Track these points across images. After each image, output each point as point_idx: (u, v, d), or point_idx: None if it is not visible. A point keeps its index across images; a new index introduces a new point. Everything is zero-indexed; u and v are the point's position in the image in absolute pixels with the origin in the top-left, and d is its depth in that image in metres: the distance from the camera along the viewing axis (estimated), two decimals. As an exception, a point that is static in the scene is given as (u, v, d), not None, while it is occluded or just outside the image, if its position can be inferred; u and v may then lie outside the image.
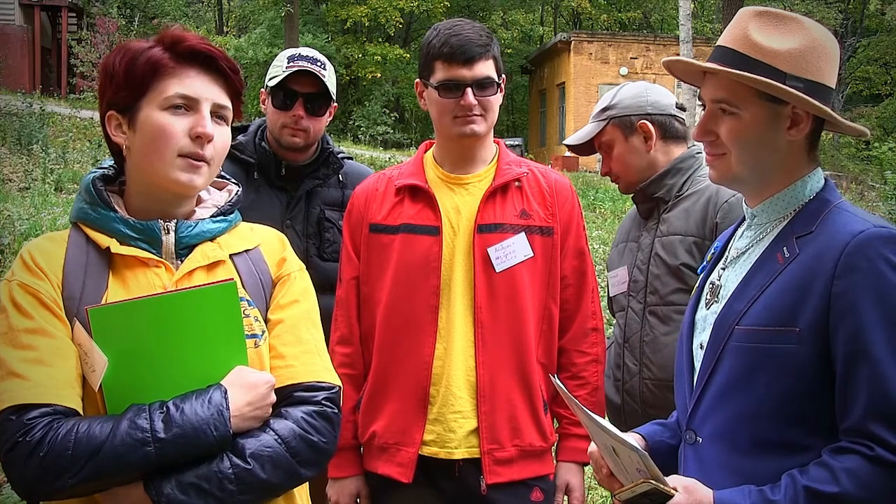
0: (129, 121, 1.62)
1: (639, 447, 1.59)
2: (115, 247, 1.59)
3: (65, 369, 1.48)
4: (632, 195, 2.79)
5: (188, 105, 1.60)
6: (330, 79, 2.82)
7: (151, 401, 1.49)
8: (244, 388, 1.54)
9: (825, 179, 1.71)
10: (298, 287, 1.76)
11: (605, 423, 1.68)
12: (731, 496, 1.54)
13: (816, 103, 1.60)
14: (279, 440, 1.54)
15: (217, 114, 1.64)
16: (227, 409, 1.50)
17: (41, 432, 1.41)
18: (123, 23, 22.94)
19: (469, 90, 2.27)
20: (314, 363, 1.69)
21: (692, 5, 16.85)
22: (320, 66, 2.79)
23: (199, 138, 1.59)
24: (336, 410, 1.65)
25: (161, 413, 1.46)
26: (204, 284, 1.59)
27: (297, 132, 2.79)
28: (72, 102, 19.46)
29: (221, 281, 1.60)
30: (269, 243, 1.78)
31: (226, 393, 1.52)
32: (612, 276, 2.80)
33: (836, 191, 1.70)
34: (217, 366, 1.56)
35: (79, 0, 25.41)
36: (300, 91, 2.77)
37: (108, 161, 1.74)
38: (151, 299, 1.53)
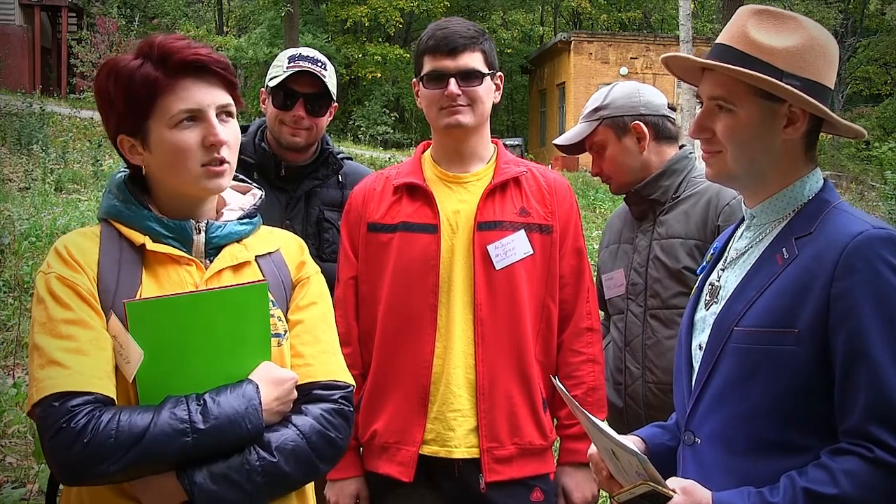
0: (142, 142, 1.66)
1: (637, 450, 1.60)
2: (149, 244, 1.64)
3: (102, 360, 1.53)
4: (624, 196, 2.77)
5: (194, 116, 1.64)
6: (330, 79, 2.82)
7: (183, 393, 1.54)
8: (272, 384, 1.61)
9: (824, 180, 1.71)
10: (316, 290, 1.82)
11: (604, 426, 1.69)
12: (730, 497, 1.54)
13: (813, 101, 1.60)
14: (301, 435, 1.61)
15: (222, 112, 1.68)
16: (260, 403, 1.57)
17: (84, 419, 1.45)
18: (123, 23, 22.91)
19: (452, 80, 2.28)
20: (331, 363, 1.76)
21: (692, 5, 16.84)
22: (321, 67, 2.79)
23: (214, 146, 1.64)
24: (351, 408, 1.73)
25: (198, 405, 1.52)
26: (238, 284, 1.66)
27: (298, 132, 2.79)
28: (72, 102, 19.47)
29: (254, 281, 1.67)
30: (289, 247, 1.85)
31: (257, 388, 1.58)
32: (606, 278, 2.77)
33: (835, 191, 1.70)
34: (244, 362, 1.63)
35: (79, 0, 25.39)
36: (301, 91, 2.77)
37: None
38: (187, 296, 1.59)
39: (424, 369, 2.29)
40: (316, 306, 1.80)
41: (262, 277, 1.72)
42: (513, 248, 2.31)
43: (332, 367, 1.75)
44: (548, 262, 2.36)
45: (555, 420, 2.44)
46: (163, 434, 1.47)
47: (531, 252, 2.33)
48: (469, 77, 2.30)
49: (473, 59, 2.31)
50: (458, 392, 2.29)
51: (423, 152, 2.50)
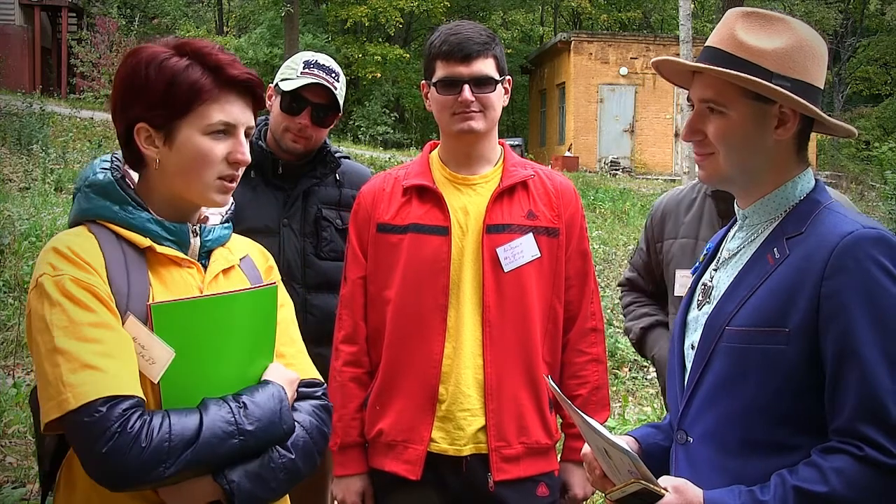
0: (164, 137, 1.64)
1: (629, 449, 1.60)
2: (157, 247, 1.64)
3: (132, 362, 1.52)
4: (714, 189, 2.61)
5: (227, 130, 1.65)
6: (341, 90, 2.82)
7: (201, 395, 1.56)
8: (286, 384, 1.66)
9: (816, 180, 1.72)
10: (283, 293, 1.86)
11: (597, 425, 1.70)
12: (721, 496, 1.54)
13: (803, 101, 1.61)
14: (306, 431, 1.65)
15: (246, 134, 1.70)
16: (287, 403, 1.62)
17: (139, 423, 1.45)
18: (123, 23, 22.92)
19: (466, 87, 2.29)
20: (307, 362, 1.83)
21: (692, 5, 16.84)
22: (334, 78, 2.78)
23: (237, 163, 1.67)
24: (331, 404, 1.80)
25: (239, 407, 1.55)
26: (254, 287, 1.70)
27: (300, 139, 2.78)
28: (72, 102, 19.50)
29: (266, 284, 1.72)
30: (255, 254, 1.89)
31: (283, 389, 1.64)
32: (684, 275, 2.64)
33: (826, 192, 1.71)
34: (256, 363, 1.67)
35: (79, 0, 25.41)
36: (311, 100, 2.76)
37: (106, 160, 1.74)
38: (209, 299, 1.62)
39: (434, 369, 2.31)
40: (285, 309, 1.83)
41: (245, 280, 1.76)
42: (521, 250, 2.33)
43: (308, 366, 1.81)
44: (554, 264, 2.39)
45: (559, 419, 2.47)
46: (214, 436, 1.49)
47: (539, 255, 2.35)
48: (482, 83, 2.32)
49: (487, 66, 2.32)
50: (467, 392, 2.31)
51: (430, 153, 2.51)
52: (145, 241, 1.63)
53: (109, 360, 1.48)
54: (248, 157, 1.68)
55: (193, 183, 1.65)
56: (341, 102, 2.83)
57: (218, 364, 1.60)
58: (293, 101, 2.77)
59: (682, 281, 2.68)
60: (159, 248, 1.64)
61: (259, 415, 1.55)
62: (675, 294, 2.71)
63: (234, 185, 1.70)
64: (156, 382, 1.54)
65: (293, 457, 1.61)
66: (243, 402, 1.56)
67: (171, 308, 1.56)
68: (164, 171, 1.66)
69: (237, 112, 1.66)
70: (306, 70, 2.76)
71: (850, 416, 1.50)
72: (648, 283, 2.94)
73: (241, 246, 1.86)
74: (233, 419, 1.52)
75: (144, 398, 1.51)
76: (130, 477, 1.44)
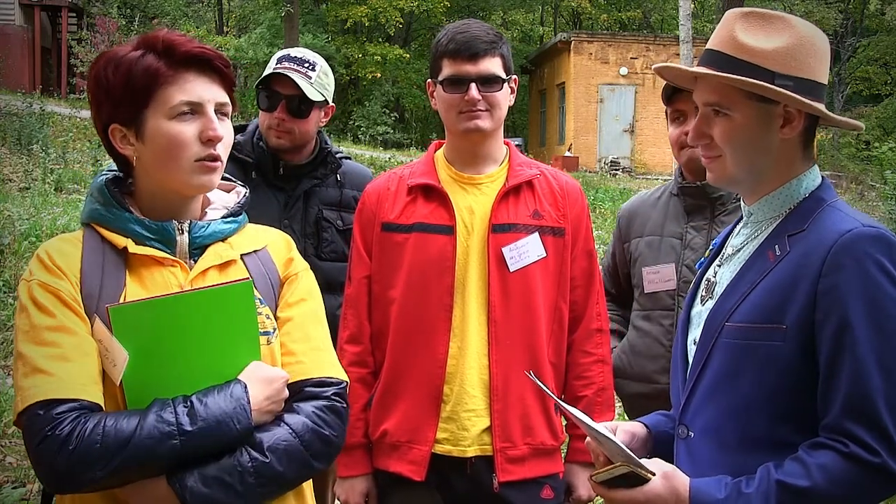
0: (136, 133, 1.64)
1: (608, 433, 1.61)
2: (132, 247, 1.62)
3: (88, 365, 1.51)
4: (681, 186, 2.70)
5: (193, 109, 1.63)
6: (317, 80, 2.78)
7: (171, 396, 1.53)
8: (262, 383, 1.59)
9: (822, 178, 1.72)
10: (305, 286, 1.80)
11: (580, 413, 1.70)
12: (707, 485, 1.55)
13: (806, 101, 1.61)
14: (293, 434, 1.59)
15: (219, 111, 1.67)
16: (248, 402, 1.55)
17: (69, 426, 1.43)
18: (123, 23, 22.88)
19: (473, 85, 2.29)
20: (323, 359, 1.74)
21: (692, 5, 16.84)
22: (307, 68, 2.77)
23: (211, 140, 1.63)
24: (345, 405, 1.71)
25: (185, 407, 1.50)
26: (221, 283, 1.63)
27: (282, 134, 2.77)
28: (72, 102, 19.48)
29: (238, 280, 1.64)
30: (276, 244, 1.83)
31: (246, 387, 1.56)
32: (651, 271, 2.72)
33: (831, 189, 1.70)
34: (233, 362, 1.61)
35: (79, 0, 25.40)
36: (282, 93, 2.75)
37: (114, 164, 1.75)
38: (169, 298, 1.57)
39: (439, 369, 2.30)
40: (305, 303, 1.78)
41: (247, 276, 1.70)
42: (527, 250, 2.32)
43: (324, 363, 1.73)
44: (560, 264, 2.38)
45: (564, 420, 2.46)
46: (150, 437, 1.45)
47: (544, 255, 2.34)
48: (489, 82, 2.31)
49: (493, 65, 2.32)
50: (472, 392, 2.30)
51: (435, 152, 2.50)
52: (123, 242, 1.62)
53: (62, 363, 1.48)
54: (221, 133, 1.63)
55: (172, 171, 1.63)
56: (319, 91, 2.79)
57: (187, 363, 1.56)
58: (266, 96, 2.77)
59: (649, 277, 2.73)
60: (134, 248, 1.62)
61: (206, 414, 1.49)
62: (646, 291, 2.74)
63: (216, 164, 1.65)
64: (117, 384, 1.53)
65: (267, 460, 1.53)
66: (191, 402, 1.51)
67: (127, 310, 1.53)
68: (145, 167, 1.66)
69: (199, 89, 1.63)
70: (278, 64, 2.76)
71: (839, 412, 1.50)
72: (612, 286, 2.98)
73: (259, 238, 1.81)
74: (173, 419, 1.47)
75: (94, 401, 1.49)
76: (63, 479, 1.43)
